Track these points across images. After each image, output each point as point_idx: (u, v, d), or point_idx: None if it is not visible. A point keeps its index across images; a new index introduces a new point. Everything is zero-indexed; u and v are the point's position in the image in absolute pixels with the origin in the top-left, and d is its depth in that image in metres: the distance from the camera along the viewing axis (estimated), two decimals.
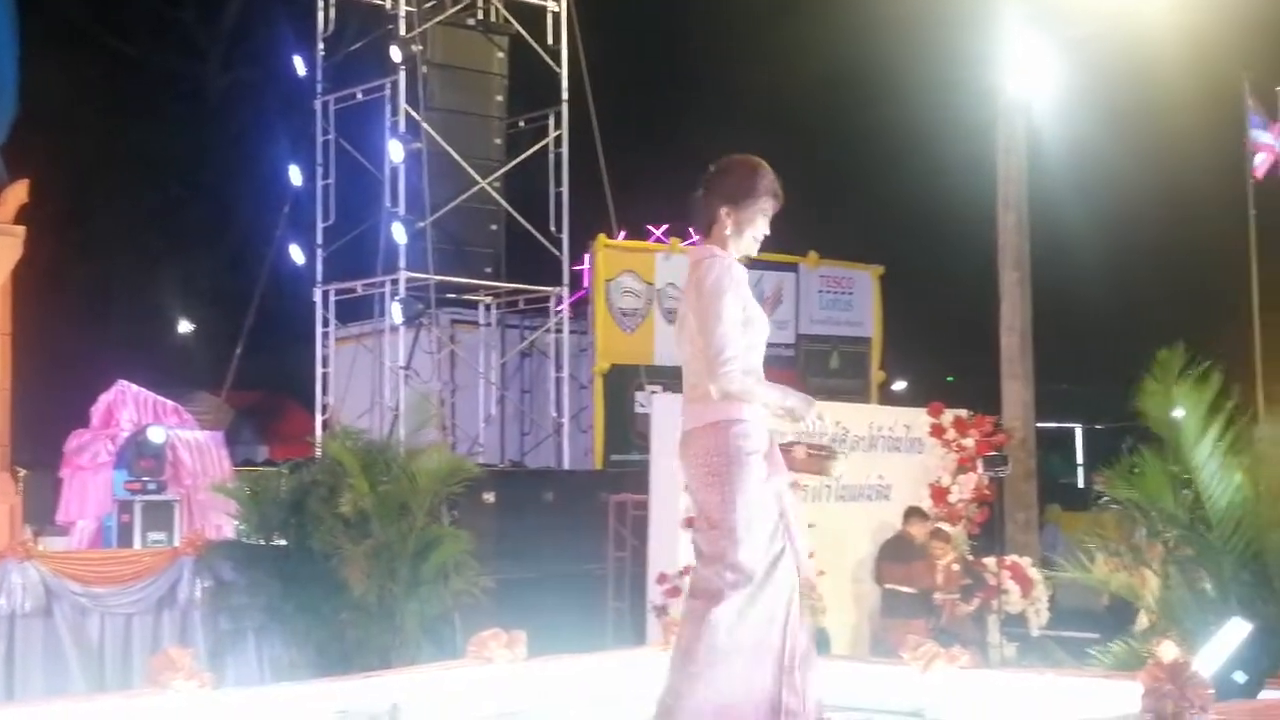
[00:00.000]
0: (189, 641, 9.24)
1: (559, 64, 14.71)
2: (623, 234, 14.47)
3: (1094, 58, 14.70)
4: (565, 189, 14.61)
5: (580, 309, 14.75)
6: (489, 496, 11.41)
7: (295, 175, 14.93)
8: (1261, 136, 17.49)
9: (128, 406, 12.49)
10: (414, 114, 13.73)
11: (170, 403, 12.86)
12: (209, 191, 24.25)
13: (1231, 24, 16.04)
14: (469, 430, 14.18)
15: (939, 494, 11.42)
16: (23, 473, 11.26)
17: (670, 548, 9.14)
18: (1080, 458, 27.08)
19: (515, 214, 14.54)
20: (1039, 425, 15.16)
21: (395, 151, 13.70)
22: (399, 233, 13.50)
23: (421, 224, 13.51)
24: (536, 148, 14.80)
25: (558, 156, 14.71)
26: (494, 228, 14.51)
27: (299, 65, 15.08)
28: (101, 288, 23.64)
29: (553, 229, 14.65)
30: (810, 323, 15.54)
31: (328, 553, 9.24)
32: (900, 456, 11.46)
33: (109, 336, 21.56)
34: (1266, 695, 4.96)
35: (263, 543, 9.87)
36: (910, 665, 6.09)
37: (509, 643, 6.18)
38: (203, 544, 10.07)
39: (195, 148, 23.74)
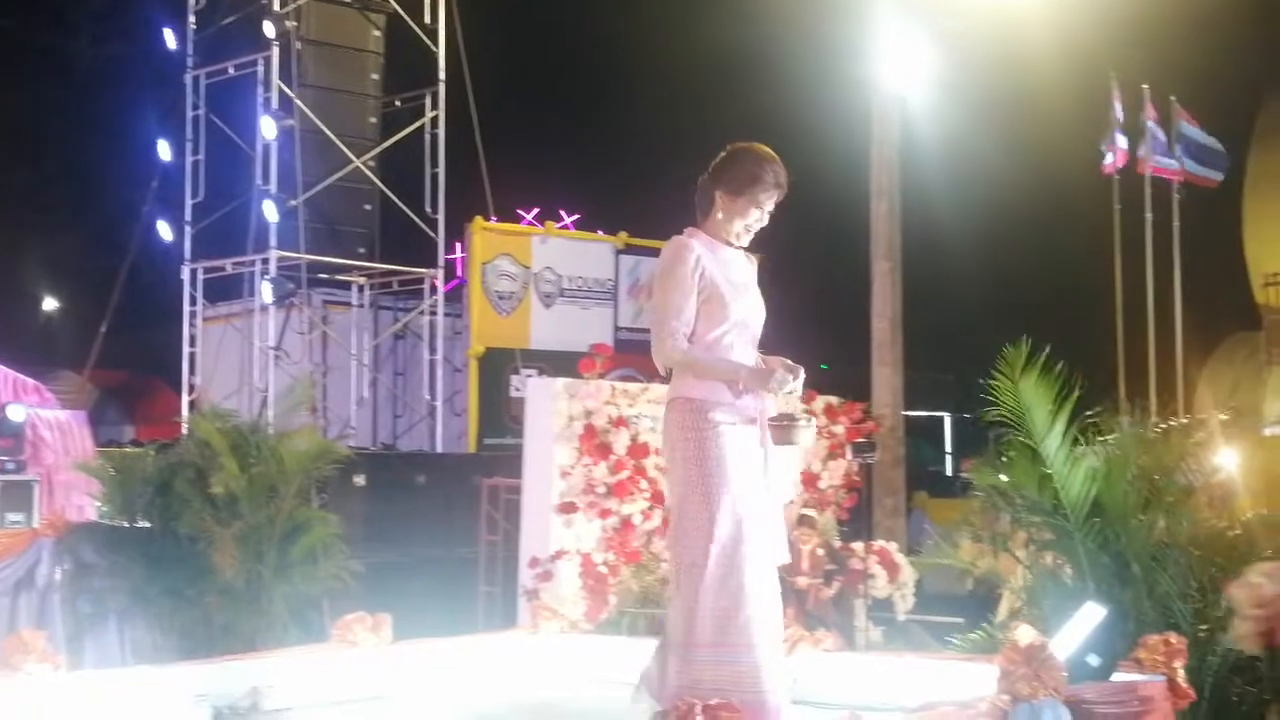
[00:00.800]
0: (47, 625, 9.03)
1: (436, 43, 14.59)
2: (493, 219, 14.40)
3: (968, 51, 14.91)
4: (441, 170, 14.51)
5: (455, 291, 14.67)
6: (360, 479, 11.31)
7: (164, 150, 14.67)
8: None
9: None
10: (287, 90, 13.53)
11: (31, 381, 12.53)
12: (77, 167, 23.68)
13: (1101, 21, 16.40)
14: (341, 412, 14.03)
15: (809, 480, 11.53)
16: None
17: (543, 532, 9.10)
18: (949, 446, 27.56)
19: (390, 194, 14.40)
20: (909, 413, 15.38)
21: (267, 128, 13.49)
22: (270, 211, 13.29)
23: (294, 202, 13.34)
24: (413, 128, 14.66)
25: (434, 137, 14.60)
26: (368, 208, 14.35)
27: (170, 39, 14.78)
28: None
29: (428, 210, 14.54)
30: None
31: (194, 535, 9.08)
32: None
33: None
34: (1119, 678, 5.08)
35: (127, 525, 9.68)
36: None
37: (374, 626, 6.12)
38: (63, 525, 9.84)
39: (63, 122, 23.17)
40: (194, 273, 14.46)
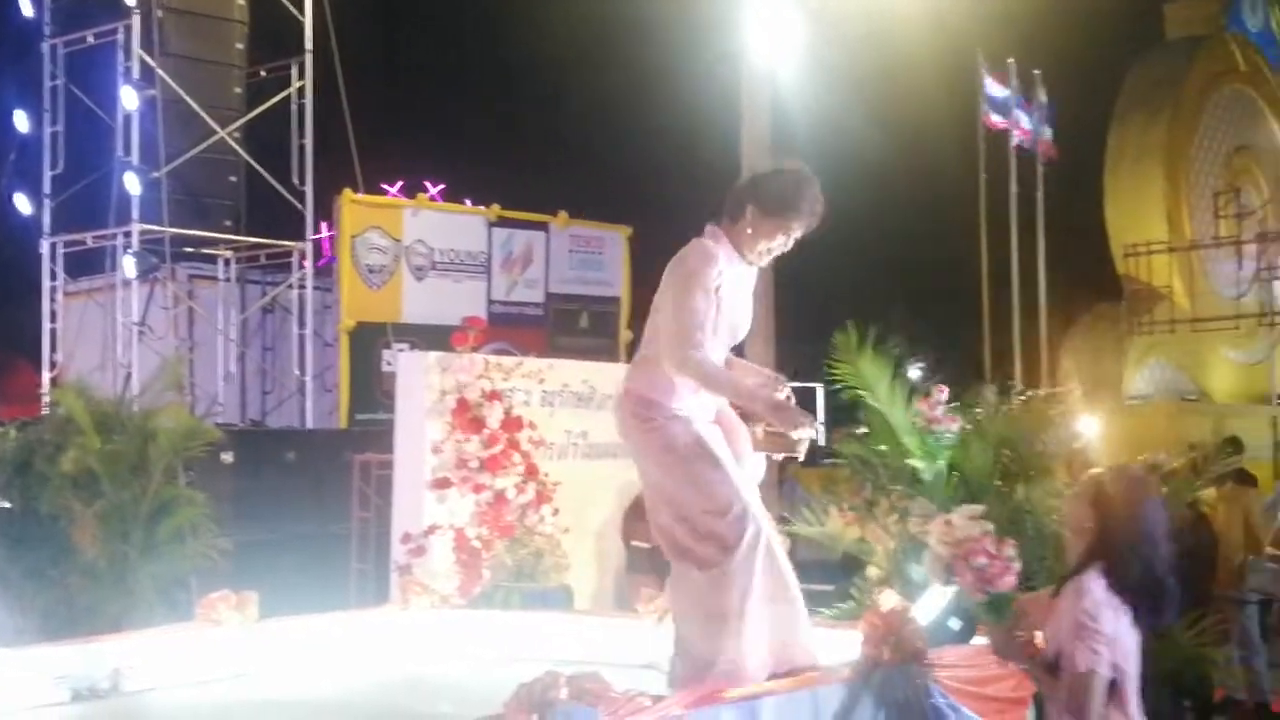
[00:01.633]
0: None
1: (302, 12, 14.34)
2: (362, 191, 14.23)
3: (837, 26, 15.04)
4: (309, 141, 14.29)
5: (325, 265, 14.48)
6: (227, 457, 11.13)
7: (21, 121, 14.26)
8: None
9: None
10: (149, 60, 13.20)
11: None
12: None
13: None
14: (208, 389, 13.78)
15: None
16: None
17: (415, 507, 9.04)
18: (822, 416, 27.89)
19: (256, 166, 14.16)
20: None
21: (128, 99, 13.17)
22: (132, 183, 12.99)
23: (157, 174, 13.04)
24: (278, 98, 14.41)
25: (300, 108, 14.36)
26: (234, 179, 14.08)
27: (26, 6, 14.36)
28: None
29: (296, 182, 14.31)
30: (560, 282, 15.57)
31: (56, 514, 8.89)
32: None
33: None
34: (978, 641, 5.19)
35: None
36: (645, 619, 6.20)
37: (239, 604, 6.06)
38: None
39: None
40: (54, 247, 14.08)
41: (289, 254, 14.30)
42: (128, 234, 13.06)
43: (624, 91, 21.00)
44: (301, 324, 14.20)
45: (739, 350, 5.29)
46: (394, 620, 6.95)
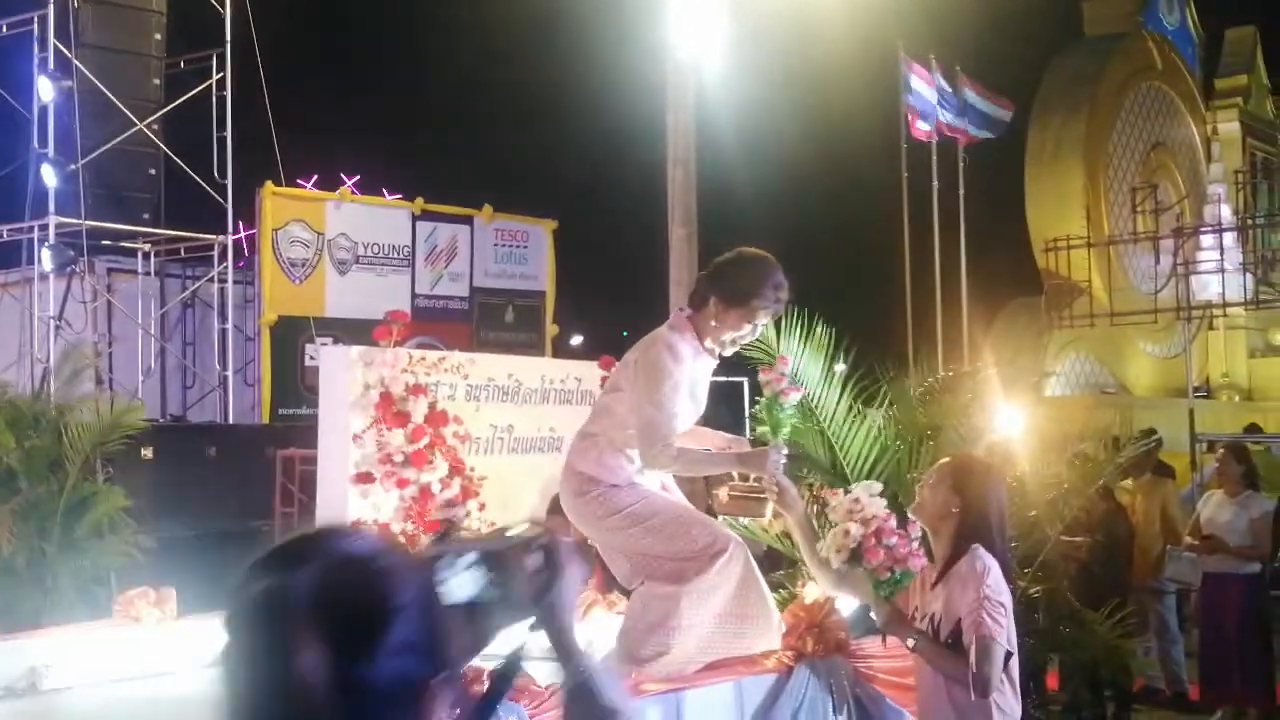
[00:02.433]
0: None
1: (222, 3, 14.17)
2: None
3: (762, 19, 15.10)
4: (229, 134, 14.12)
5: (246, 259, 14.34)
6: (147, 452, 11.00)
7: None
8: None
9: None
10: (65, 51, 12.99)
11: None
12: None
13: None
14: (128, 384, 13.59)
15: None
16: None
17: (339, 503, 8.94)
18: (748, 409, 28.00)
19: (175, 158, 13.97)
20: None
21: (44, 90, 12.95)
22: (49, 175, 12.78)
23: (74, 167, 12.84)
24: (198, 90, 14.24)
25: (220, 100, 14.19)
26: (152, 172, 13.88)
27: None
28: None
29: (216, 175, 14.14)
30: (485, 276, 15.52)
31: None
32: (571, 409, 11.50)
33: None
34: None
35: None
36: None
37: (158, 601, 5.98)
38: None
39: None
40: None
41: (209, 247, 14.14)
42: (44, 227, 12.84)
43: (548, 84, 20.98)
44: (223, 318, 14.05)
45: None
46: None
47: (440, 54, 21.70)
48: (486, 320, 15.51)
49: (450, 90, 22.39)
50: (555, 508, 10.85)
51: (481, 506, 9.07)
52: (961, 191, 18.86)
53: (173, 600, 6.10)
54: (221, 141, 14.14)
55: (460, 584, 1.78)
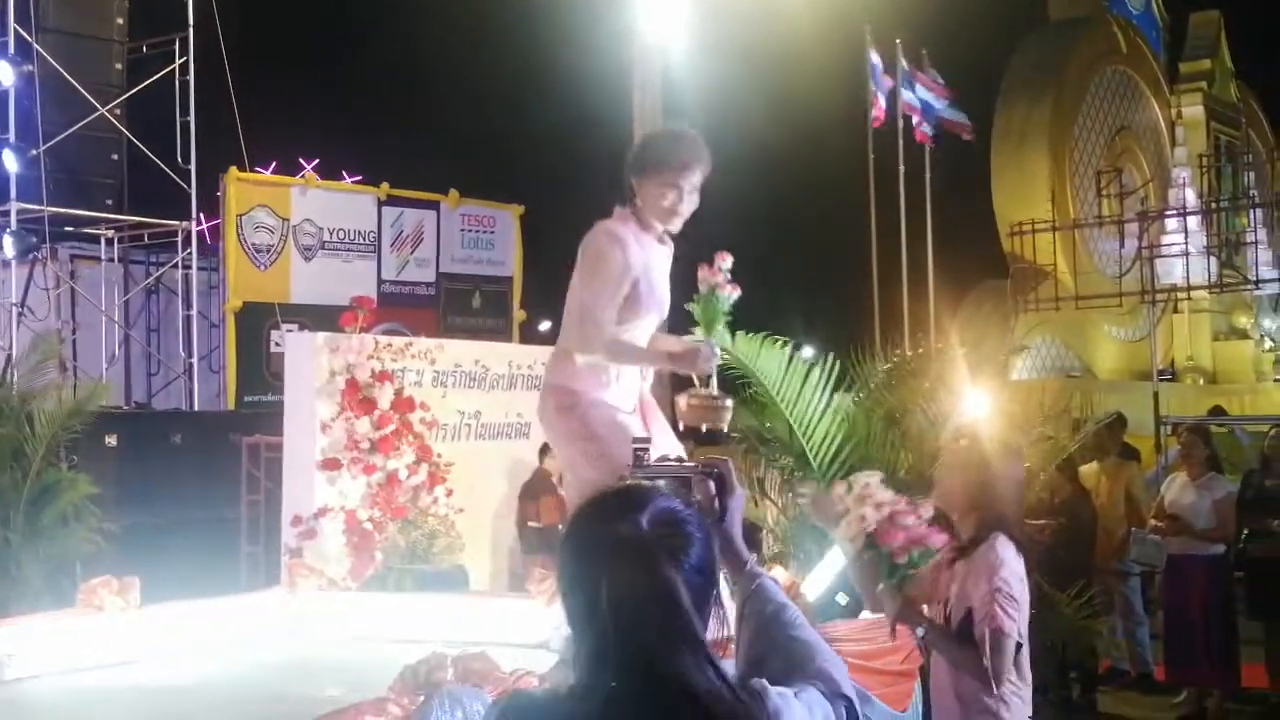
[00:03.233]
0: None
1: None
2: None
3: (729, 3, 15.08)
4: (192, 119, 14.01)
5: (211, 244, 14.24)
6: (112, 440, 10.94)
7: None
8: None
9: None
10: (25, 35, 12.87)
11: None
12: None
13: None
14: (92, 371, 13.48)
15: None
16: None
17: (306, 489, 8.92)
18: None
19: (138, 144, 13.86)
20: None
21: (5, 74, 12.80)
22: (10, 161, 12.65)
23: (35, 152, 12.71)
24: (161, 74, 14.12)
25: (184, 84, 14.07)
26: (115, 157, 13.75)
27: None
28: None
29: (179, 160, 14.04)
30: (452, 261, 15.47)
31: None
32: (538, 395, 11.53)
33: None
34: (865, 616, 5.25)
35: None
36: (536, 599, 6.19)
37: (121, 590, 5.94)
38: None
39: None
40: None
41: (173, 233, 14.02)
42: (5, 213, 12.72)
43: (515, 69, 20.91)
44: (187, 305, 13.95)
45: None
46: (281, 604, 6.87)
47: (406, 38, 21.61)
48: (453, 306, 15.47)
49: (416, 75, 22.29)
50: (526, 495, 10.86)
51: (449, 493, 9.06)
52: (928, 175, 18.91)
53: (136, 589, 6.07)
54: (185, 126, 14.03)
55: None
